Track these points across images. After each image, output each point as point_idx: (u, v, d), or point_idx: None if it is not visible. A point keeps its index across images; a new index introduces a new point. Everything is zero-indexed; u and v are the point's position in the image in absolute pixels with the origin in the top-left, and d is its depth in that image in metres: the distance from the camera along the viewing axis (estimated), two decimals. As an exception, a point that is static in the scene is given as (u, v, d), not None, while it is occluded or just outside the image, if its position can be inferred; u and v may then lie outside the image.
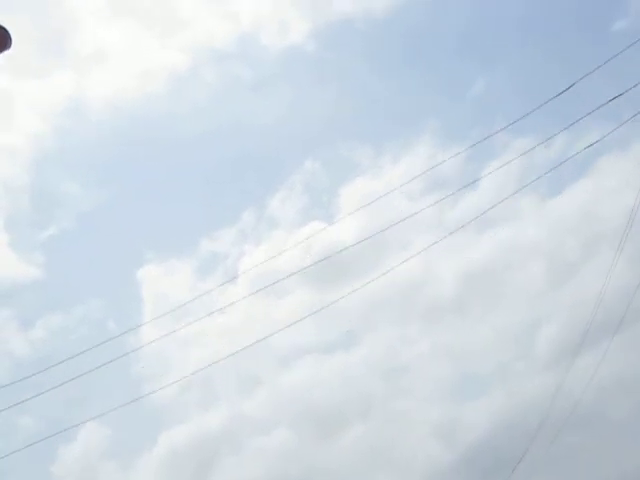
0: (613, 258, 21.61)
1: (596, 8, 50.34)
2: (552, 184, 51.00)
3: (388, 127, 55.29)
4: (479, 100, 51.91)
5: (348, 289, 46.16)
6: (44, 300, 50.36)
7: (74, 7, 56.23)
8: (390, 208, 49.83)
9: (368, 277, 46.29)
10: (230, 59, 55.54)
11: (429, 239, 47.43)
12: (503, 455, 32.77)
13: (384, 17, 54.98)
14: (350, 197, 50.96)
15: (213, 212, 55.31)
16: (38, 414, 41.48)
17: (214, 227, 59.10)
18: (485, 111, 54.70)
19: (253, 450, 40.88)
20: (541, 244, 45.84)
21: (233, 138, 56.97)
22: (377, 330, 47.25)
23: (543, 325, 42.69)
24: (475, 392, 41.83)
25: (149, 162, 55.58)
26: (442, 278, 47.52)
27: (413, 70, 56.19)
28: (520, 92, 55.72)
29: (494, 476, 33.68)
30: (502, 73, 54.38)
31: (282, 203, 52.61)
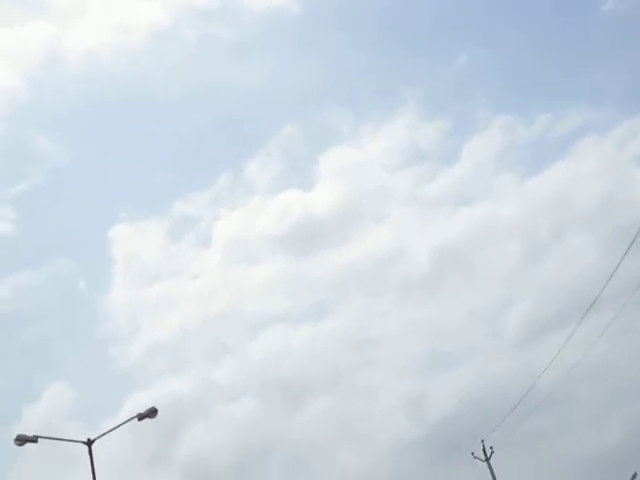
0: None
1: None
2: (531, 164, 51.18)
3: (370, 96, 54.76)
4: (461, 73, 51.60)
5: (322, 259, 46.12)
6: (13, 256, 49.58)
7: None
8: (368, 178, 49.52)
9: (343, 247, 46.21)
10: (211, 19, 54.36)
11: (406, 212, 47.48)
12: (469, 433, 32.91)
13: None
14: (328, 165, 50.56)
15: (188, 174, 54.67)
16: (3, 373, 41.11)
17: (189, 189, 58.43)
18: (467, 85, 54.55)
19: (220, 417, 40.75)
20: (517, 223, 45.92)
21: (212, 100, 56.14)
22: (349, 302, 47.13)
23: (514, 304, 42.86)
24: (444, 369, 41.98)
25: (125, 120, 54.48)
26: (417, 253, 47.45)
27: (398, 41, 55.66)
28: (502, 67, 55.67)
29: (459, 453, 33.86)
30: (485, 48, 54.12)
31: (259, 168, 51.97)
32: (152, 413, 16.55)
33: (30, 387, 41.62)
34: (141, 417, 16.52)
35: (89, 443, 16.12)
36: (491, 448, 27.49)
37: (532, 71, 52.18)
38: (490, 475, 26.89)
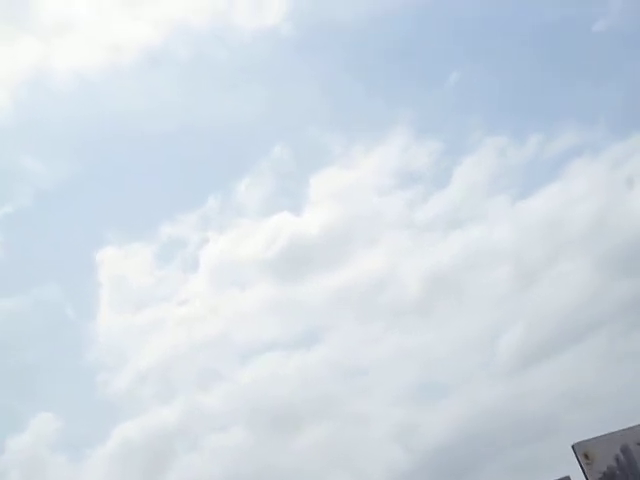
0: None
1: (578, 8, 50.22)
2: (523, 186, 50.99)
3: (361, 117, 54.57)
4: (453, 93, 51.48)
5: (312, 284, 45.73)
6: (-2, 280, 48.88)
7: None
8: (359, 201, 49.23)
9: (333, 272, 45.86)
10: (203, 39, 54.02)
11: (397, 236, 47.21)
12: (462, 463, 32.51)
13: (366, 8, 54.31)
14: (319, 187, 50.33)
15: (176, 194, 54.28)
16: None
17: (176, 210, 57.85)
18: (459, 104, 54.42)
19: (209, 447, 40.01)
20: (509, 246, 45.73)
21: (202, 121, 55.70)
22: (339, 328, 46.65)
23: (507, 331, 42.46)
24: (436, 397, 41.42)
25: (113, 140, 53.95)
26: (408, 277, 47.09)
27: (390, 61, 55.56)
28: (495, 87, 55.62)
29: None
30: (478, 68, 54.04)
31: (249, 189, 51.61)
32: None
33: (14, 417, 40.94)
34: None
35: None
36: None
37: (523, 90, 52.10)
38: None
